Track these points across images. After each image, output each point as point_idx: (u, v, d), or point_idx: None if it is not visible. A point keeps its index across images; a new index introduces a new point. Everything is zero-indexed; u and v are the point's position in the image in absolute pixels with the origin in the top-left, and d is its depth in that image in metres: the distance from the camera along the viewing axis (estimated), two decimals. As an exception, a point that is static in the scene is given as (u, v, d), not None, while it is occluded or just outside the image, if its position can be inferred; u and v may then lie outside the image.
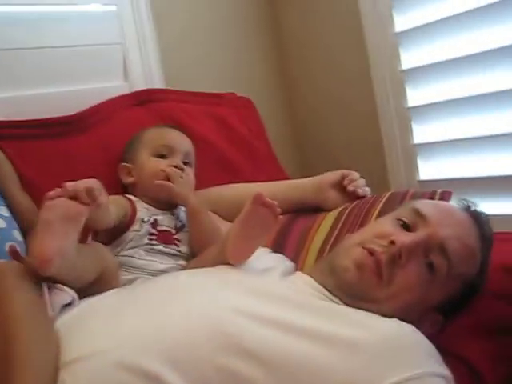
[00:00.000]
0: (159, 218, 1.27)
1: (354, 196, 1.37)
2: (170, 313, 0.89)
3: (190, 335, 0.85)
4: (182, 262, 1.25)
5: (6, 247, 1.12)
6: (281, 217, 1.07)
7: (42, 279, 0.98)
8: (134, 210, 1.25)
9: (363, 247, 0.99)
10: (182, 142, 1.36)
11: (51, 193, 0.94)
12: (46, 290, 0.96)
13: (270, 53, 2.03)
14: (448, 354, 0.93)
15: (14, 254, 1.06)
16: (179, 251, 1.26)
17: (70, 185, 0.93)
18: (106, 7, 1.72)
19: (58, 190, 0.94)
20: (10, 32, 1.56)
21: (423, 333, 0.92)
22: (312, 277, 1.04)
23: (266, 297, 0.94)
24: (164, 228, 1.26)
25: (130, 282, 1.18)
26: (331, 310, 0.94)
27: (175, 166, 1.30)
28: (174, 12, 1.83)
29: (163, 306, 0.91)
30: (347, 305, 0.98)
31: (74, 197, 0.93)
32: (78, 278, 0.99)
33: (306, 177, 1.50)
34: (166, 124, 1.45)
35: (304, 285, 1.02)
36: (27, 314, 0.86)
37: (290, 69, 2.05)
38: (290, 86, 2.06)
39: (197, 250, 1.26)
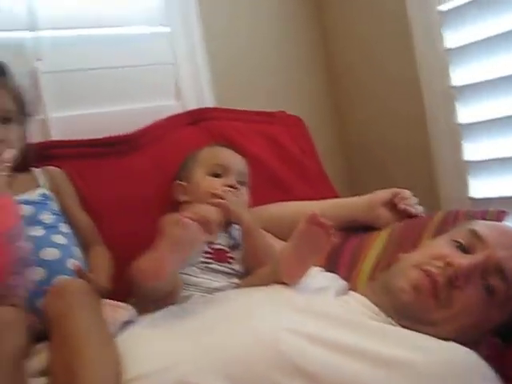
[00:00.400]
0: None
1: (406, 214, 1.37)
2: (229, 332, 0.91)
3: (248, 353, 0.87)
4: (236, 280, 1.26)
5: (68, 263, 1.17)
6: (334, 238, 1.07)
7: (103, 296, 1.03)
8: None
9: (420, 268, 0.99)
10: (236, 162, 1.38)
11: (188, 214, 0.99)
12: (107, 307, 1.00)
13: (319, 72, 2.04)
14: (507, 378, 0.92)
15: (79, 272, 1.10)
16: (233, 269, 1.27)
17: (205, 211, 1.01)
18: (159, 28, 1.76)
19: (190, 214, 0.99)
20: (65, 54, 1.62)
21: (481, 356, 0.91)
22: (366, 296, 1.04)
23: (320, 317, 0.95)
24: (219, 246, 1.28)
25: (185, 299, 1.20)
26: (386, 330, 0.94)
27: (230, 186, 1.32)
28: (225, 33, 1.86)
29: (222, 325, 0.93)
30: (402, 326, 0.97)
31: (203, 223, 0.98)
32: (167, 294, 1.04)
33: (355, 195, 1.50)
34: (220, 143, 1.47)
35: (358, 304, 1.02)
36: (91, 331, 0.90)
37: (339, 87, 2.05)
38: (339, 103, 2.06)
39: (250, 268, 1.27)
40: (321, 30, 2.04)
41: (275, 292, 1.06)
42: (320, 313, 0.96)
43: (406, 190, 1.40)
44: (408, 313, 0.97)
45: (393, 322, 0.98)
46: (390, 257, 1.26)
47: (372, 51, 1.92)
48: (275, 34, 1.96)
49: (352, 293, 1.08)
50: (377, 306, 1.00)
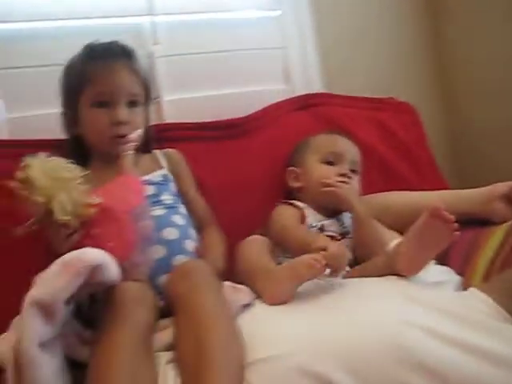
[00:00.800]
0: (326, 223, 1.29)
1: (524, 209, 1.31)
2: (350, 322, 0.91)
3: (370, 346, 0.87)
4: (347, 268, 1.26)
5: (185, 243, 1.21)
6: (457, 232, 1.05)
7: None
8: (303, 217, 1.29)
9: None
10: (350, 150, 1.37)
11: (320, 257, 1.02)
12: (228, 288, 1.03)
13: (428, 58, 1.98)
14: None
15: (200, 254, 1.14)
16: (342, 257, 1.27)
17: (338, 253, 1.03)
18: (270, 13, 1.77)
19: (322, 259, 1.01)
20: (180, 38, 1.67)
21: None
22: (488, 295, 1.01)
23: (443, 313, 0.93)
24: (330, 233, 1.28)
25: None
26: (507, 331, 0.90)
27: (343, 174, 1.31)
28: (335, 17, 1.84)
29: (342, 315, 0.94)
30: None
31: (331, 259, 1.01)
32: None
33: (460, 185, 1.45)
34: (334, 131, 1.47)
35: (480, 303, 0.99)
36: (218, 311, 0.93)
37: (450, 75, 1.98)
38: (448, 92, 1.99)
39: (360, 256, 1.26)
40: (434, 17, 1.97)
41: (392, 284, 1.05)
42: (439, 307, 0.94)
43: (526, 185, 1.33)
44: None
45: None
46: (508, 254, 1.21)
47: (485, 40, 1.84)
48: (387, 19, 1.92)
49: (473, 290, 1.05)
50: (501, 306, 0.97)
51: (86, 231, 1.02)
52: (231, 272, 1.21)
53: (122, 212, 1.04)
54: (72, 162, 1.05)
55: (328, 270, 1.05)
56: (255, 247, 1.24)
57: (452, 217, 1.02)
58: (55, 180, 0.99)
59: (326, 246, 1.03)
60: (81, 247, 0.98)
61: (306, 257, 1.02)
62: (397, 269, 1.08)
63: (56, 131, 1.32)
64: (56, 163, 1.03)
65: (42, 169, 0.99)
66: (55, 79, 1.29)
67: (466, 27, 1.89)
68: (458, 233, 1.03)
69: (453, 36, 1.95)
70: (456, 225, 1.03)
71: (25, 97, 1.50)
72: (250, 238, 1.28)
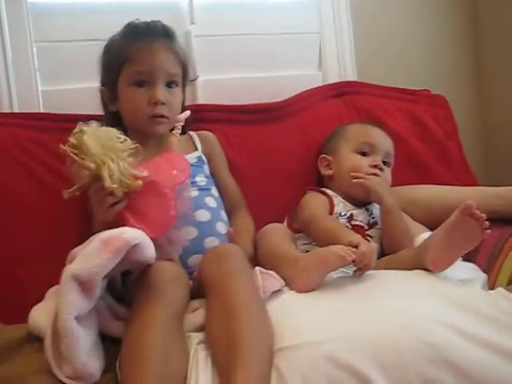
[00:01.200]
0: (354, 212, 1.30)
1: (557, 211, 1.30)
2: (380, 315, 0.93)
3: (399, 341, 0.88)
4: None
5: (217, 226, 1.22)
6: (488, 231, 1.05)
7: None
8: (332, 205, 1.29)
9: None
10: (384, 142, 1.37)
11: (350, 253, 1.02)
12: (259, 274, 1.04)
13: (465, 52, 1.95)
14: None
15: (231, 238, 1.16)
16: (370, 247, 1.28)
17: (365, 256, 1.03)
18: (308, -3, 1.76)
19: (352, 255, 1.02)
20: (217, 19, 1.67)
21: None
22: (517, 296, 1.01)
23: (472, 312, 0.94)
24: (358, 223, 1.29)
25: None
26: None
27: (375, 166, 1.31)
28: (372, 5, 1.82)
29: (371, 307, 0.95)
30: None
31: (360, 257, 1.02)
32: None
33: (491, 182, 1.44)
34: (369, 121, 1.47)
35: (508, 304, 0.99)
36: (250, 297, 0.95)
37: (485, 70, 1.95)
38: (482, 87, 1.96)
39: (387, 248, 1.27)
40: (472, 9, 1.94)
41: (423, 279, 1.06)
42: (471, 308, 0.95)
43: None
44: None
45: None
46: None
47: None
48: (424, 11, 1.89)
49: (501, 290, 1.05)
50: None
51: (129, 202, 1.04)
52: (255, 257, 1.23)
53: (167, 187, 1.06)
54: (122, 133, 1.07)
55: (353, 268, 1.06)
56: (280, 234, 1.25)
57: (483, 215, 1.02)
58: (107, 148, 1.01)
59: (358, 244, 1.03)
60: (122, 217, 1.01)
61: (337, 247, 1.03)
62: (425, 264, 1.09)
63: (90, 106, 1.34)
64: (108, 132, 1.05)
65: (96, 136, 1.01)
66: (91, 54, 1.30)
67: (505, 20, 1.86)
68: (488, 231, 1.03)
69: (490, 30, 1.92)
70: (487, 223, 1.03)
71: (60, 71, 1.52)
72: (271, 225, 1.29)
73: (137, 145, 1.07)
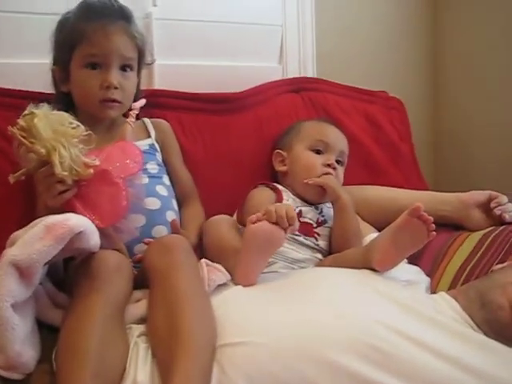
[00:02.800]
0: (304, 209, 1.30)
1: (499, 220, 1.34)
2: (321, 315, 0.93)
3: (339, 343, 0.89)
4: (319, 256, 1.28)
5: (166, 215, 1.21)
6: (434, 233, 1.06)
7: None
8: (280, 200, 1.29)
9: (521, 288, 0.97)
10: (339, 140, 1.37)
11: (254, 216, 1.01)
12: (204, 266, 1.03)
13: (423, 55, 1.98)
14: None
15: (174, 227, 1.14)
16: (317, 245, 1.28)
17: (272, 210, 0.99)
18: (274, -12, 1.74)
19: (260, 214, 1.00)
20: (180, 3, 1.62)
21: None
22: (457, 301, 1.03)
23: (415, 315, 0.95)
24: (307, 220, 1.29)
25: (269, 265, 1.22)
26: (486, 344, 0.92)
27: (329, 165, 1.32)
28: (337, 3, 1.83)
29: (314, 307, 0.95)
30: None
31: (275, 222, 0.99)
32: None
33: (443, 185, 1.47)
34: (325, 119, 1.47)
35: (450, 309, 1.01)
36: (194, 291, 0.94)
37: (442, 77, 1.99)
38: (438, 92, 2.00)
39: (336, 246, 1.28)
40: (432, 16, 1.97)
41: (367, 279, 1.07)
42: (415, 311, 0.96)
43: (504, 196, 1.36)
44: (503, 331, 0.95)
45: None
46: (477, 262, 1.24)
47: (481, 39, 1.85)
48: (386, 14, 1.91)
49: (443, 294, 1.08)
50: (469, 315, 1.00)
51: (78, 190, 1.01)
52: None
53: (119, 177, 1.04)
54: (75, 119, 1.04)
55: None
56: (226, 226, 1.24)
57: (431, 218, 1.03)
58: (58, 134, 0.98)
59: (266, 208, 1.02)
60: (70, 205, 0.97)
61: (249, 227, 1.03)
62: (371, 263, 1.10)
63: (41, 83, 1.28)
64: (61, 117, 1.01)
65: (47, 120, 0.97)
66: (44, 28, 1.24)
67: (464, 27, 1.90)
68: (434, 233, 1.05)
69: (449, 36, 1.95)
70: (433, 226, 1.04)
71: (9, 43, 1.44)
72: (218, 216, 1.28)
73: (90, 132, 1.03)
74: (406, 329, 0.91)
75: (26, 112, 0.98)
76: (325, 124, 1.41)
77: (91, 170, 1.00)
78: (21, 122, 0.97)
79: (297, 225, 1.03)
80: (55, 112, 1.02)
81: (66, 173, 0.97)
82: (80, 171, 0.99)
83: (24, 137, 0.96)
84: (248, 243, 1.04)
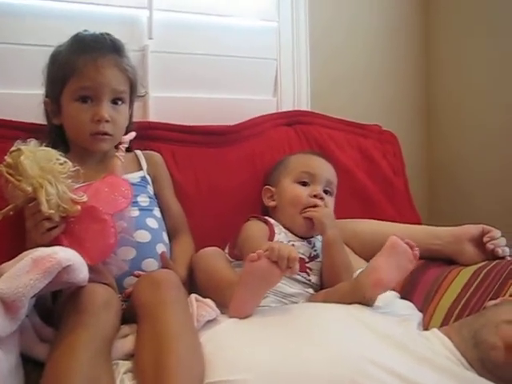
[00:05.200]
0: (296, 244, 1.29)
1: (493, 255, 1.33)
2: (314, 353, 0.92)
3: (326, 377, 0.87)
4: (311, 291, 1.26)
5: (157, 247, 1.20)
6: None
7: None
8: (273, 233, 1.29)
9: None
10: (324, 170, 1.37)
11: (255, 255, 1.01)
12: (194, 302, 1.02)
13: (416, 90, 2.01)
14: None
15: (164, 260, 1.13)
16: (309, 280, 1.27)
17: (275, 249, 1.00)
18: (268, 23, 1.76)
19: (261, 251, 1.01)
20: (175, 36, 1.64)
21: None
22: (450, 339, 1.02)
23: (407, 353, 0.94)
24: (299, 255, 1.28)
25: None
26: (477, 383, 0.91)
27: (315, 196, 1.31)
28: (331, 37, 1.85)
29: (308, 344, 0.94)
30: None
31: (275, 261, 0.99)
32: None
33: (435, 219, 1.46)
34: (311, 150, 1.47)
35: (441, 346, 1.00)
36: (183, 329, 0.93)
37: (435, 111, 2.01)
38: (432, 127, 2.02)
39: (326, 280, 1.27)
40: (424, 52, 2.00)
41: (358, 314, 1.05)
42: (404, 346, 0.95)
43: (496, 230, 1.36)
44: (497, 371, 0.94)
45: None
46: (470, 298, 1.23)
47: (474, 87, 1.87)
48: (380, 50, 1.94)
49: (436, 331, 1.06)
50: (462, 354, 0.98)
51: (66, 227, 1.01)
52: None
53: (107, 214, 1.03)
54: (61, 155, 1.04)
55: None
56: (217, 258, 1.24)
57: (413, 244, 1.07)
58: (45, 170, 0.98)
59: (269, 245, 1.02)
60: (58, 242, 0.97)
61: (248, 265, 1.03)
62: (363, 290, 1.09)
63: (33, 114, 1.29)
64: (47, 153, 1.01)
65: (34, 157, 0.97)
66: (39, 60, 1.25)
67: (456, 60, 1.93)
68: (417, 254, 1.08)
69: (442, 69, 1.98)
70: (417, 249, 1.08)
71: (7, 74, 1.45)
72: (209, 249, 1.27)
73: (77, 167, 1.03)
74: (395, 366, 0.90)
75: (12, 148, 0.99)
76: (310, 155, 1.41)
77: (79, 207, 1.00)
78: (7, 158, 0.98)
79: (296, 268, 1.03)
80: (43, 148, 1.02)
81: (52, 211, 0.96)
82: (67, 208, 0.99)
83: (11, 174, 0.96)
84: (245, 279, 1.04)
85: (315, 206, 1.31)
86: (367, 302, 1.11)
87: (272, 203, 1.38)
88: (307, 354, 0.92)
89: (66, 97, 1.19)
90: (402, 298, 1.30)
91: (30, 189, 0.95)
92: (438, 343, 1.01)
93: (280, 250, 1.00)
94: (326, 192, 1.35)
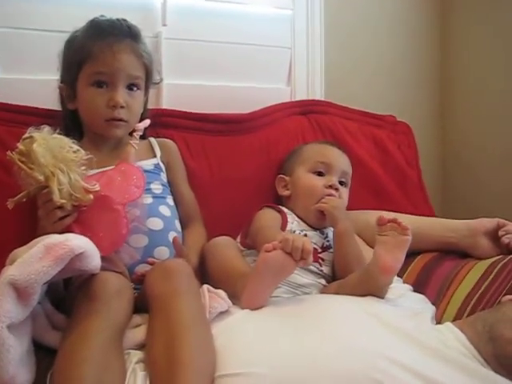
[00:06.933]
0: (309, 233, 1.28)
1: (508, 249, 1.31)
2: (322, 347, 0.91)
3: (342, 378, 0.86)
4: (323, 281, 1.25)
5: (169, 236, 1.19)
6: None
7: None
8: (286, 222, 1.28)
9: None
10: (340, 161, 1.35)
11: (270, 245, 1.00)
12: (206, 293, 1.01)
13: (431, 81, 1.98)
14: None
15: (177, 247, 1.12)
16: (321, 271, 1.26)
17: (289, 239, 0.99)
18: (282, 11, 1.74)
19: (276, 243, 1.00)
20: (190, 23, 1.63)
21: None
22: (464, 333, 1.01)
23: (420, 348, 0.93)
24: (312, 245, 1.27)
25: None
26: (493, 379, 0.90)
27: (331, 186, 1.30)
28: (346, 27, 1.83)
29: (316, 339, 0.93)
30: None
31: (289, 252, 0.98)
32: None
33: (447, 212, 1.45)
34: (326, 140, 1.46)
35: (456, 341, 0.99)
36: (195, 319, 0.92)
37: (450, 99, 1.98)
38: (446, 116, 1.99)
39: (338, 272, 1.26)
40: (440, 42, 1.97)
41: (371, 308, 1.04)
42: (417, 341, 0.94)
43: (512, 224, 1.34)
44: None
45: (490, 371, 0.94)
46: (485, 292, 1.21)
47: (489, 70, 1.84)
48: (395, 39, 1.91)
49: (449, 325, 1.05)
50: (476, 348, 0.97)
51: (78, 216, 1.00)
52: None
53: (119, 203, 1.02)
54: (74, 142, 1.03)
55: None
56: (230, 248, 1.23)
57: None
58: (58, 159, 0.97)
59: (283, 236, 1.01)
60: (70, 231, 0.96)
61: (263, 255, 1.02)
62: (374, 277, 1.08)
63: (49, 100, 1.29)
64: (60, 141, 1.00)
65: (47, 145, 0.96)
66: (56, 46, 1.25)
67: (473, 52, 1.89)
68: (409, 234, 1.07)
69: (456, 59, 1.95)
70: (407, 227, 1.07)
71: (21, 59, 1.45)
72: (220, 238, 1.26)
73: (90, 156, 1.02)
74: (409, 362, 0.89)
75: (25, 136, 0.97)
76: (326, 145, 1.40)
77: (91, 196, 0.99)
78: (20, 146, 0.96)
79: (310, 259, 1.02)
80: (55, 136, 1.01)
81: (64, 200, 0.96)
82: (80, 197, 0.98)
83: (23, 161, 0.95)
84: (259, 270, 1.03)
85: (329, 196, 1.30)
86: (380, 292, 1.11)
87: (286, 192, 1.36)
88: (320, 348, 0.91)
89: (81, 82, 1.18)
90: (415, 290, 1.29)
91: (42, 177, 0.94)
92: (451, 337, 1.00)
93: (294, 241, 0.99)
94: (341, 183, 1.34)
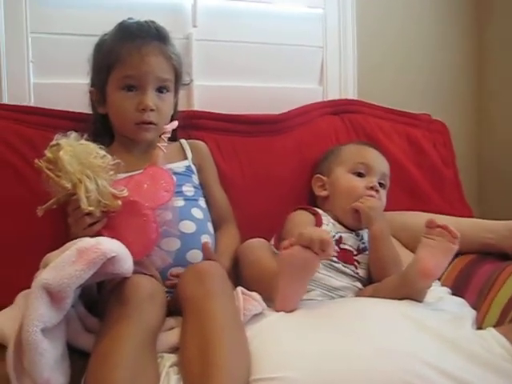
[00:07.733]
0: (344, 235, 1.26)
1: (549, 250, 1.27)
2: (359, 352, 0.89)
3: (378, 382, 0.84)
4: (358, 285, 1.23)
5: (201, 238, 1.18)
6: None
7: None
8: (320, 224, 1.25)
9: None
10: (380, 163, 1.33)
11: (286, 242, 0.99)
12: (240, 295, 1.00)
13: (467, 78, 1.93)
14: None
15: (206, 251, 1.11)
16: (357, 273, 1.24)
17: (304, 233, 0.97)
18: (314, 10, 1.72)
19: (293, 239, 0.98)
20: (220, 24, 1.62)
21: None
22: (507, 339, 0.97)
23: (460, 353, 0.90)
24: (347, 247, 1.25)
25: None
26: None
27: (372, 187, 1.28)
28: (378, 25, 1.79)
29: (352, 342, 0.91)
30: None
31: (307, 246, 0.96)
32: None
33: (484, 214, 1.40)
34: (364, 141, 1.43)
35: (499, 347, 0.95)
36: (229, 322, 0.90)
37: (486, 100, 1.93)
38: (483, 115, 1.94)
39: (374, 274, 1.24)
40: (476, 38, 1.92)
41: (408, 311, 1.02)
42: (458, 346, 0.91)
43: (554, 225, 1.29)
44: None
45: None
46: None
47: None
48: (428, 36, 1.87)
49: (492, 330, 1.01)
50: None
51: (108, 222, 1.00)
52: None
53: (148, 208, 1.01)
54: (101, 148, 1.02)
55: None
56: (263, 249, 1.22)
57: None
58: (85, 165, 0.96)
59: (299, 232, 0.99)
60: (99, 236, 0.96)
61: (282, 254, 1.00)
62: (413, 281, 1.06)
63: (82, 103, 1.29)
64: (87, 147, 1.00)
65: (73, 152, 0.96)
66: (88, 50, 1.25)
67: (509, 47, 1.84)
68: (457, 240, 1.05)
69: (494, 57, 1.90)
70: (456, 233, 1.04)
71: (55, 64, 1.47)
72: (254, 240, 1.25)
73: (117, 161, 1.02)
74: (447, 367, 0.87)
75: (52, 143, 0.97)
76: (364, 146, 1.38)
77: (119, 202, 0.99)
78: (47, 153, 0.96)
79: (331, 250, 0.99)
80: (82, 142, 1.00)
81: (92, 208, 0.95)
82: (108, 203, 0.98)
83: (50, 169, 0.95)
84: (282, 270, 1.01)
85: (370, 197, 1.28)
86: (418, 296, 1.08)
87: (323, 193, 1.34)
88: (354, 350, 0.89)
89: (111, 85, 1.18)
90: (454, 294, 1.25)
91: (69, 185, 0.94)
92: (493, 343, 0.96)
93: (310, 233, 0.97)
94: (380, 185, 1.32)
